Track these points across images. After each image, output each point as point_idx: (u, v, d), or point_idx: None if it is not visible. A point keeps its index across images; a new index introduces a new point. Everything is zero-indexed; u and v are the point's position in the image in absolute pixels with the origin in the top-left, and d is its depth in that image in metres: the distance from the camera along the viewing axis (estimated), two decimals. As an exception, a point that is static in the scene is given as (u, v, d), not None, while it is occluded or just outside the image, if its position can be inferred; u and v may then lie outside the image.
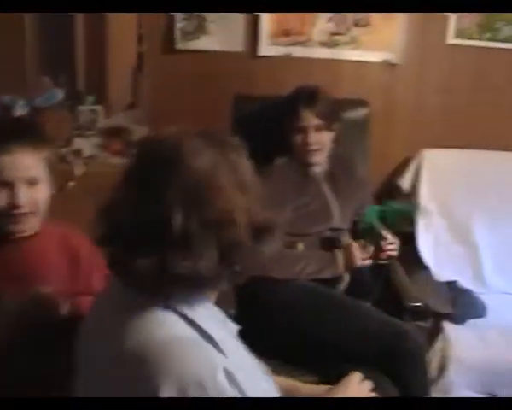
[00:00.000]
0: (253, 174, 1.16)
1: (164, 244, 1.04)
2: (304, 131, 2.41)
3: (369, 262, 2.38)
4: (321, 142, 2.44)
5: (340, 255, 2.35)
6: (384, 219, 2.45)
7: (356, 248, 2.35)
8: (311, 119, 2.40)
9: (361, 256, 2.35)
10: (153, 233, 1.05)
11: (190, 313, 1.10)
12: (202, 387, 1.01)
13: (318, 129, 2.41)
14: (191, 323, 1.10)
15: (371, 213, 2.47)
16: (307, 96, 2.42)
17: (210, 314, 1.17)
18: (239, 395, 1.07)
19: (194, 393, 1.00)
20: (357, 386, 1.49)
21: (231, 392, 1.05)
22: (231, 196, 1.09)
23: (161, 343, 1.04)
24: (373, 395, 1.50)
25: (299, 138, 2.43)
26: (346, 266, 2.35)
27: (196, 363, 1.03)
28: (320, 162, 2.50)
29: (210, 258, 1.06)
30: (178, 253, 1.04)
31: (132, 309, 1.09)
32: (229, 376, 1.06)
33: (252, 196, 1.12)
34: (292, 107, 2.43)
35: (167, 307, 1.09)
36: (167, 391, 0.99)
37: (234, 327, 1.26)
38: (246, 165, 1.15)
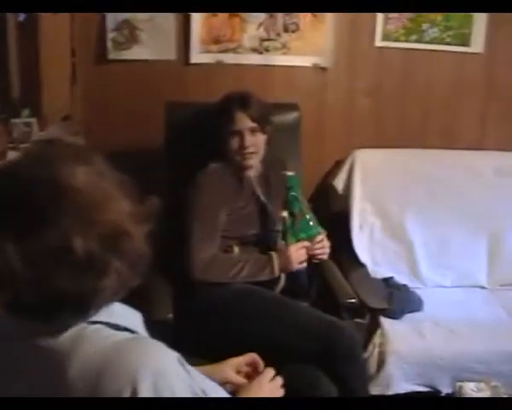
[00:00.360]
0: (120, 177, 1.10)
1: (66, 271, 0.99)
2: (239, 134, 2.43)
3: (304, 265, 2.41)
4: (256, 144, 2.46)
5: (275, 257, 2.36)
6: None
7: (292, 251, 2.36)
8: (245, 121, 2.42)
9: (298, 259, 2.37)
10: (50, 264, 0.99)
11: (112, 319, 1.09)
12: (169, 378, 1.02)
13: (253, 131, 2.44)
14: (115, 327, 1.09)
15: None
16: (240, 100, 2.44)
17: (123, 312, 1.16)
18: (190, 381, 1.10)
19: (163, 386, 1.00)
20: (269, 383, 1.54)
21: (188, 378, 1.08)
22: (117, 204, 1.05)
23: (116, 350, 1.03)
24: (282, 390, 1.55)
25: (235, 142, 2.44)
26: (281, 267, 2.36)
27: (158, 356, 1.04)
28: (254, 166, 2.52)
29: (115, 272, 1.04)
30: (83, 275, 1.01)
31: (58, 332, 1.05)
32: (182, 362, 1.09)
33: (132, 199, 1.09)
34: (226, 111, 2.45)
35: (90, 322, 1.07)
36: (145, 392, 0.98)
37: (139, 316, 1.22)
38: (110, 169, 1.10)
